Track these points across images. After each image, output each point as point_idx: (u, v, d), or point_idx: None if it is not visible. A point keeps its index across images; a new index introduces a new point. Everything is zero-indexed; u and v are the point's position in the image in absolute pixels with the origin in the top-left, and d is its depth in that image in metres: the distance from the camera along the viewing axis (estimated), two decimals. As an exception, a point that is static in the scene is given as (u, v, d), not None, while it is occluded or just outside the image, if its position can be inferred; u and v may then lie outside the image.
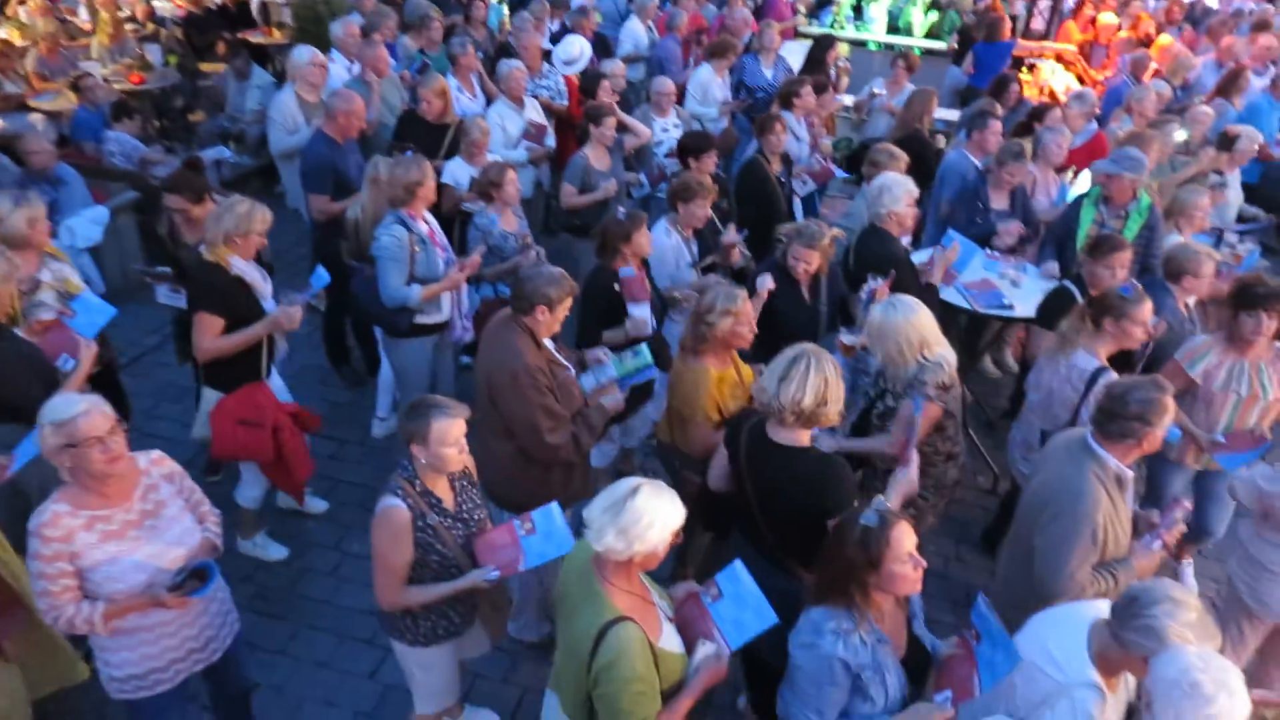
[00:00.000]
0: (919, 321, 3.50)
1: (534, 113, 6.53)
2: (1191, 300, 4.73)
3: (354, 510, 4.81)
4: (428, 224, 4.58)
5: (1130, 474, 2.96)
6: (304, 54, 6.01)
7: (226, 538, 4.49)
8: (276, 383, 4.33)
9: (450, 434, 2.83)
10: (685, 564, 4.12)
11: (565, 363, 3.71)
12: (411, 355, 4.73)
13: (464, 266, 4.55)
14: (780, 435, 2.98)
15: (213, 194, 4.58)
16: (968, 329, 5.80)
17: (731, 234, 5.08)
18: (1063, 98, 7.99)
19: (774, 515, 3.02)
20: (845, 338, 4.15)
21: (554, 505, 3.06)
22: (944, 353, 3.56)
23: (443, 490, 2.99)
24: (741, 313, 3.55)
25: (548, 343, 3.66)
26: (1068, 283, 4.44)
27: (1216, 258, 4.54)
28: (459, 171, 5.64)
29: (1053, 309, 4.36)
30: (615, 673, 2.29)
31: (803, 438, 2.99)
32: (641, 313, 4.21)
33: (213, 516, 3.06)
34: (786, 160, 6.19)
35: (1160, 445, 3.01)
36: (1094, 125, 6.80)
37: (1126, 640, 2.32)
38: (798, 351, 2.94)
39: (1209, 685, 2.01)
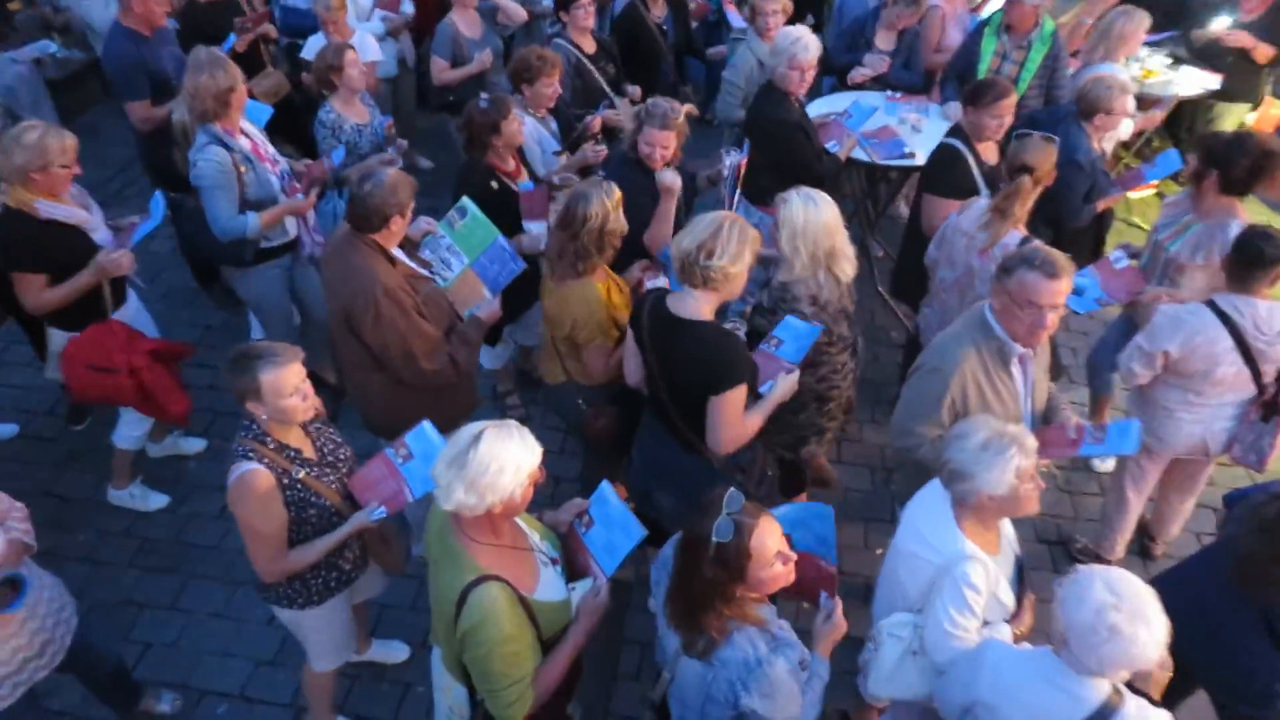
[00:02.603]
0: (833, 225, 3.23)
1: (384, -27, 5.78)
2: (1107, 140, 4.53)
3: (237, 445, 4.49)
4: (249, 137, 3.99)
5: (1017, 349, 2.80)
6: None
7: (98, 491, 4.27)
8: (134, 312, 3.91)
9: (286, 383, 2.51)
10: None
11: (424, 272, 3.34)
12: (262, 285, 4.25)
13: (311, 182, 4.03)
14: (678, 306, 2.82)
15: None
16: (868, 178, 5.52)
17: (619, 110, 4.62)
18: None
19: (674, 388, 2.90)
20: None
21: (425, 424, 2.79)
22: (845, 266, 3.32)
23: (298, 440, 2.70)
24: (620, 197, 3.23)
25: (398, 252, 3.28)
26: (952, 139, 4.07)
27: (1131, 92, 4.30)
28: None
29: (941, 171, 4.06)
30: (482, 635, 2.11)
31: (701, 310, 2.80)
32: (539, 229, 3.83)
33: (16, 512, 2.68)
34: (679, 3, 5.63)
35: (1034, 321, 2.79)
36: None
37: (957, 493, 2.35)
38: (708, 213, 2.82)
39: (1127, 625, 1.94)
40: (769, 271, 3.41)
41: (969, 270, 3.65)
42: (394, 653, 3.63)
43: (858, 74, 5.17)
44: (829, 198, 3.26)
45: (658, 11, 5.44)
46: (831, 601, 2.32)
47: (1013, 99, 3.96)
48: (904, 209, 6.06)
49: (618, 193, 3.22)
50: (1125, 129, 5.01)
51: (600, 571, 2.41)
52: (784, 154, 4.20)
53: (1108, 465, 4.41)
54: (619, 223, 3.21)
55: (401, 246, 3.40)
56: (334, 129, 4.36)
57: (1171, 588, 2.88)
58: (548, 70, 4.26)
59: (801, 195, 3.23)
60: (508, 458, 2.08)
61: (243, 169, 3.84)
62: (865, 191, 5.52)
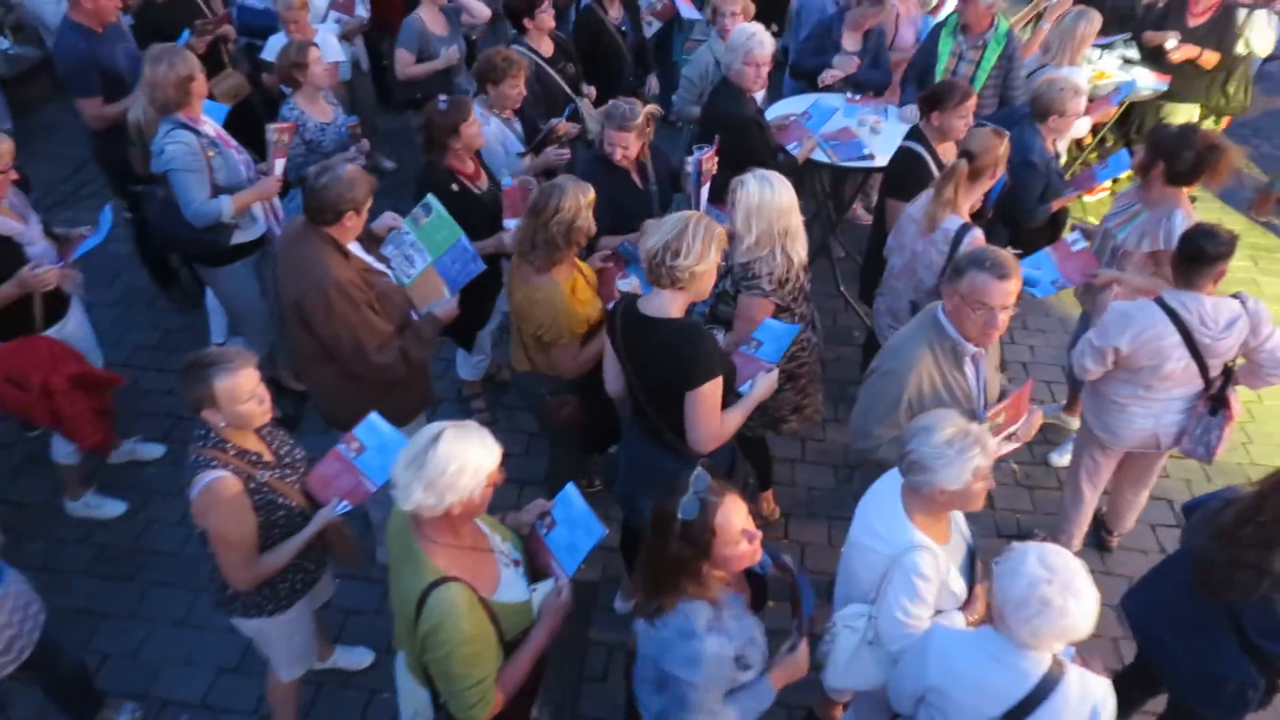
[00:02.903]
0: (788, 206, 3.27)
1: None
2: (1060, 140, 4.62)
3: (197, 450, 4.43)
4: (211, 125, 3.96)
5: (970, 348, 2.85)
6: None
7: (54, 497, 4.18)
8: (74, 327, 3.81)
9: (241, 388, 2.49)
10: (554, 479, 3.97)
11: (380, 268, 3.34)
12: (234, 282, 4.22)
13: (275, 165, 4.01)
14: (648, 306, 2.84)
15: None
16: (833, 181, 5.57)
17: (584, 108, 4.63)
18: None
19: (650, 389, 2.90)
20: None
21: (373, 415, 2.78)
22: (799, 247, 3.37)
23: (255, 444, 2.68)
24: (593, 198, 3.26)
25: (355, 247, 3.27)
26: (911, 143, 4.15)
27: (1084, 93, 4.39)
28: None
29: (899, 173, 4.13)
30: (441, 637, 2.11)
31: (670, 309, 2.81)
32: (518, 225, 3.80)
33: None
34: (632, 5, 5.65)
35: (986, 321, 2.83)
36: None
37: (913, 484, 2.37)
38: (675, 214, 2.83)
39: (1058, 597, 2.00)
40: (728, 259, 3.45)
41: (914, 255, 3.73)
42: (359, 658, 3.60)
43: (828, 75, 5.21)
44: (785, 180, 3.31)
45: (615, 13, 5.46)
46: (800, 636, 2.34)
47: (974, 100, 4.06)
48: (862, 213, 6.14)
49: (592, 194, 3.25)
50: (1083, 126, 5.12)
51: (562, 572, 2.42)
52: (740, 149, 4.22)
53: (1064, 460, 4.50)
54: (588, 222, 3.23)
55: (363, 241, 3.39)
56: (297, 126, 4.31)
57: (1139, 604, 2.97)
58: (513, 71, 4.25)
59: (757, 176, 3.28)
60: (467, 458, 2.08)
61: (210, 154, 3.81)
62: (827, 193, 5.57)
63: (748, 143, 4.02)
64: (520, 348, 3.49)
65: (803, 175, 5.20)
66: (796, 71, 5.48)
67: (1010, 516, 4.33)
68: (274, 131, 4.02)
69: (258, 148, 4.31)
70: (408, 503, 2.08)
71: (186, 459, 2.60)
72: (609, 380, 3.14)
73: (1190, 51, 5.57)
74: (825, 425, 4.75)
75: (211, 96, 4.77)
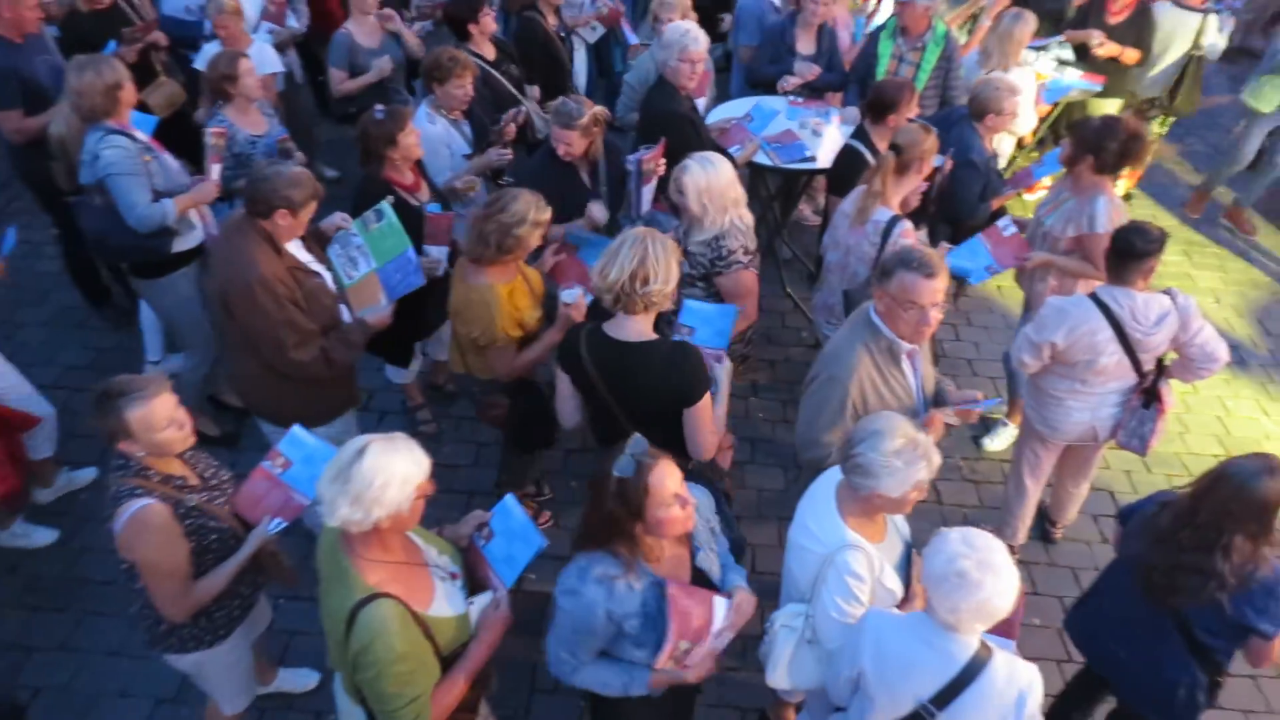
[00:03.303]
0: (731, 179, 3.37)
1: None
2: (997, 139, 4.70)
3: (132, 472, 4.29)
4: (141, 135, 3.86)
5: (905, 346, 2.87)
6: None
7: None
8: None
9: (157, 416, 2.39)
10: (504, 484, 3.94)
11: (314, 268, 3.30)
12: (174, 295, 4.10)
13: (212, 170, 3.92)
14: (621, 332, 2.82)
15: None
16: (778, 183, 5.61)
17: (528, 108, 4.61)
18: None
19: (640, 414, 2.87)
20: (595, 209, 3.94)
21: (296, 429, 2.73)
22: (746, 214, 3.50)
23: (179, 468, 2.58)
24: (547, 221, 3.26)
25: (295, 245, 3.23)
26: (855, 142, 4.21)
27: (1019, 93, 4.47)
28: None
29: (844, 173, 4.17)
30: (372, 655, 2.05)
31: (645, 329, 2.82)
32: (440, 254, 3.80)
33: None
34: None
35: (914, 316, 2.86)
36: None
37: (852, 484, 2.39)
38: (623, 235, 2.82)
39: (974, 571, 2.04)
40: (684, 246, 3.48)
41: (848, 249, 3.79)
42: (303, 680, 3.51)
43: (788, 82, 5.22)
44: (721, 156, 3.40)
45: (554, 20, 5.44)
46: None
47: (914, 98, 4.19)
48: (809, 215, 6.19)
49: (547, 215, 3.24)
50: (1025, 125, 5.21)
51: (500, 584, 2.38)
52: (673, 145, 4.22)
53: (995, 444, 4.66)
54: (531, 237, 3.23)
55: (307, 240, 3.36)
56: (226, 140, 4.21)
57: (1083, 620, 2.99)
58: (458, 71, 4.23)
59: (697, 159, 3.36)
60: (394, 471, 2.03)
61: (146, 158, 3.72)
62: (772, 196, 5.60)
63: (681, 139, 4.02)
64: (456, 348, 3.48)
65: (749, 178, 5.23)
66: (753, 80, 5.50)
67: (956, 511, 4.38)
68: (211, 135, 3.95)
69: (194, 159, 4.21)
70: (334, 518, 2.03)
71: (108, 490, 2.49)
72: (566, 414, 3.10)
73: (1113, 49, 5.73)
74: (774, 426, 4.77)
75: (145, 107, 4.66)
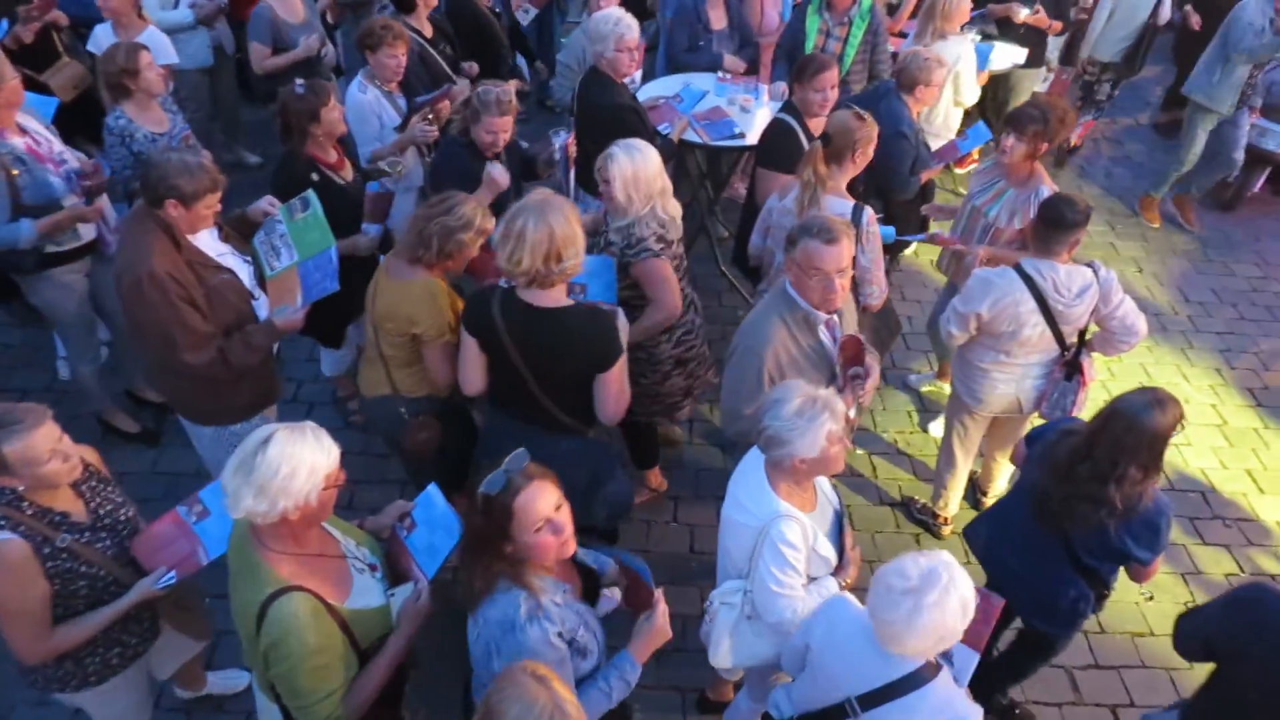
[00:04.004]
0: (658, 168, 3.28)
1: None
2: (946, 111, 4.73)
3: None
4: (30, 134, 3.60)
5: (822, 316, 2.89)
6: None
7: None
8: None
9: (36, 450, 2.20)
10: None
11: (225, 264, 3.12)
12: (55, 293, 3.85)
13: (90, 189, 3.66)
14: (536, 298, 2.75)
15: None
16: (709, 161, 5.58)
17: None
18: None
19: (551, 380, 2.84)
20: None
21: (217, 483, 2.48)
22: (671, 205, 3.40)
23: (66, 501, 2.38)
24: (490, 229, 3.06)
25: (205, 237, 3.06)
26: (784, 115, 4.18)
27: (946, 64, 4.50)
28: (107, 41, 4.59)
29: (773, 145, 4.14)
30: (285, 650, 1.99)
31: (559, 295, 2.77)
32: (376, 230, 3.69)
33: None
34: None
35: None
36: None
37: (773, 459, 2.40)
38: (516, 208, 2.69)
39: (914, 599, 1.99)
40: (605, 231, 3.42)
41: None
42: (233, 682, 3.41)
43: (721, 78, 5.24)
44: (649, 144, 3.32)
45: (486, -1, 5.34)
46: (657, 606, 2.27)
47: (834, 72, 4.07)
48: (742, 190, 6.18)
49: (491, 224, 3.05)
50: (972, 95, 5.25)
51: (421, 574, 2.32)
52: (619, 138, 4.17)
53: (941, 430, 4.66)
54: (470, 249, 3.07)
55: (224, 227, 3.20)
56: (123, 137, 3.92)
57: (985, 530, 3.10)
58: (389, 40, 4.15)
59: (623, 147, 3.27)
60: (300, 460, 1.95)
61: (14, 171, 3.46)
62: (704, 174, 5.57)
63: (627, 131, 3.95)
64: (378, 365, 3.19)
65: (680, 157, 5.19)
66: (675, 67, 5.45)
67: (892, 484, 4.44)
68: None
69: (101, 142, 3.99)
70: (237, 510, 1.95)
71: None
72: (471, 381, 2.99)
73: (1042, 21, 5.85)
74: (712, 406, 4.76)
75: (48, 89, 4.41)
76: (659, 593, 2.29)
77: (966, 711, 2.14)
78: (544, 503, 2.05)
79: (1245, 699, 2.36)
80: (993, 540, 3.07)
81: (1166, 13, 6.20)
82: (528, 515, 2.03)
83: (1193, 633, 2.52)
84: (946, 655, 2.25)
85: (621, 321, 3.02)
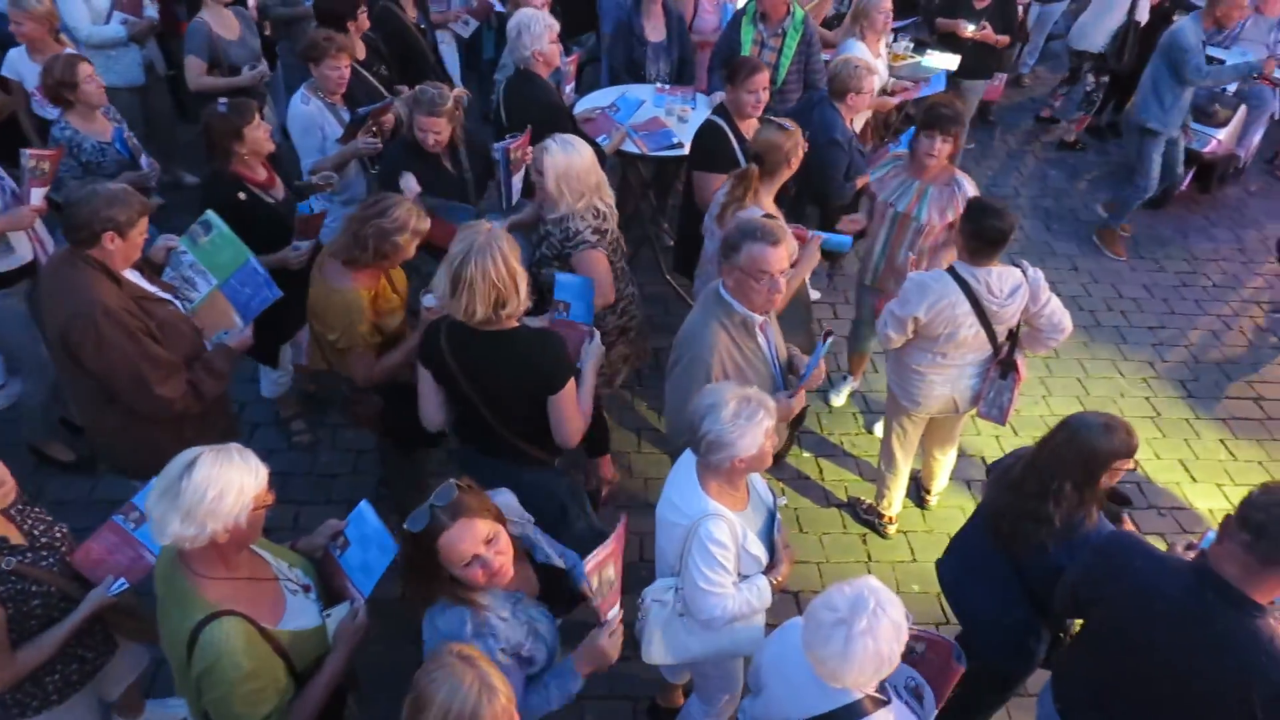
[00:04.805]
0: (592, 163, 3.36)
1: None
2: (858, 117, 4.81)
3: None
4: None
5: (758, 318, 2.95)
6: None
7: None
8: None
9: None
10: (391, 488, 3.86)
11: (162, 294, 3.08)
12: None
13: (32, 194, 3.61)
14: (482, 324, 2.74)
15: None
16: (656, 171, 5.63)
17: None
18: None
19: (502, 406, 2.82)
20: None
21: (155, 480, 2.52)
22: (608, 197, 3.53)
23: (1, 527, 2.35)
24: (426, 231, 3.14)
25: (131, 274, 3.01)
26: (715, 116, 4.26)
27: (876, 72, 4.60)
28: (23, 66, 4.50)
29: (704, 146, 4.22)
30: (218, 676, 1.96)
31: (507, 320, 2.76)
32: (308, 245, 3.67)
33: None
34: (423, 5, 5.52)
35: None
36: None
37: (713, 463, 2.43)
38: (459, 252, 2.63)
39: (845, 630, 1.97)
40: (542, 223, 3.48)
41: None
42: (172, 711, 3.32)
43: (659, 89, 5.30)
44: (583, 140, 3.39)
45: (412, 13, 5.33)
46: (612, 625, 2.24)
47: (764, 75, 4.19)
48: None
49: (426, 226, 3.14)
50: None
51: (357, 593, 2.30)
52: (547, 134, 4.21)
53: (840, 400, 4.88)
54: (406, 250, 3.12)
55: (143, 270, 3.12)
56: (71, 147, 3.94)
57: (948, 565, 3.10)
58: (333, 52, 4.17)
59: (558, 141, 3.35)
60: (227, 482, 1.93)
61: None
62: (646, 184, 5.62)
63: (555, 127, 3.98)
64: (315, 345, 3.35)
65: (619, 168, 5.23)
66: (616, 80, 5.50)
67: (838, 485, 4.50)
68: (31, 159, 3.61)
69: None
70: (165, 536, 1.92)
71: None
72: (430, 414, 2.98)
73: (990, 36, 6.03)
74: (660, 415, 4.79)
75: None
76: (612, 613, 2.23)
77: None
78: (469, 542, 2.02)
79: (1105, 650, 2.39)
80: (954, 572, 3.07)
81: (1146, 13, 6.42)
82: (452, 553, 2.02)
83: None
84: (919, 698, 2.27)
85: (595, 345, 3.06)
